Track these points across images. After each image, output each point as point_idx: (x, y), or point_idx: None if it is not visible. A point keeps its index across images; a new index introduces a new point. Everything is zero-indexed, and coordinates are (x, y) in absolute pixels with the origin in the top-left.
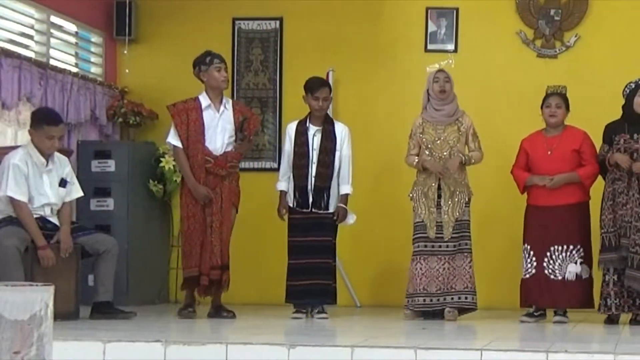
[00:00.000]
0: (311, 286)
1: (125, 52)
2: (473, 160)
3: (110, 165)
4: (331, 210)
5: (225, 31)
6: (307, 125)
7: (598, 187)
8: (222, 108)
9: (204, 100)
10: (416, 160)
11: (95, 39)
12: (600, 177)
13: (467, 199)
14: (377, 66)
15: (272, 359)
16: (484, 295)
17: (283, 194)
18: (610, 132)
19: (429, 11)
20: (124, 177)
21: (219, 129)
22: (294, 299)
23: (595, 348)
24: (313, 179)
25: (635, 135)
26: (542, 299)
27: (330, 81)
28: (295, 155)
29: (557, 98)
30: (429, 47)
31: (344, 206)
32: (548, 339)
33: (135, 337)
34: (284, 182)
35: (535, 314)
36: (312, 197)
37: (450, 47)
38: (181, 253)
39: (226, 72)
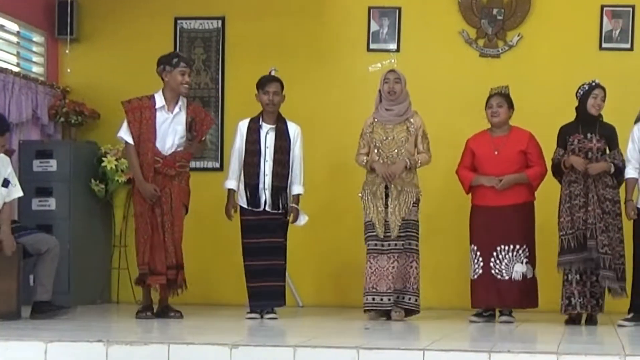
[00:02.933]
0: (266, 288)
1: (67, 51)
2: (420, 163)
3: (52, 165)
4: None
5: (167, 30)
6: (260, 123)
7: (554, 189)
8: (176, 109)
9: (159, 100)
10: (365, 160)
11: (36, 38)
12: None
13: (414, 199)
14: (319, 65)
15: (215, 359)
16: (434, 295)
17: (231, 192)
18: (565, 134)
19: (371, 10)
20: (66, 177)
21: (170, 130)
22: (256, 301)
23: (538, 348)
24: (266, 177)
25: (589, 135)
26: (489, 299)
27: None
28: (247, 153)
29: (498, 98)
30: (372, 46)
31: (296, 206)
32: (492, 339)
33: (77, 337)
34: (233, 181)
35: (485, 314)
36: (271, 198)
37: (393, 46)
38: (136, 250)
39: (189, 78)
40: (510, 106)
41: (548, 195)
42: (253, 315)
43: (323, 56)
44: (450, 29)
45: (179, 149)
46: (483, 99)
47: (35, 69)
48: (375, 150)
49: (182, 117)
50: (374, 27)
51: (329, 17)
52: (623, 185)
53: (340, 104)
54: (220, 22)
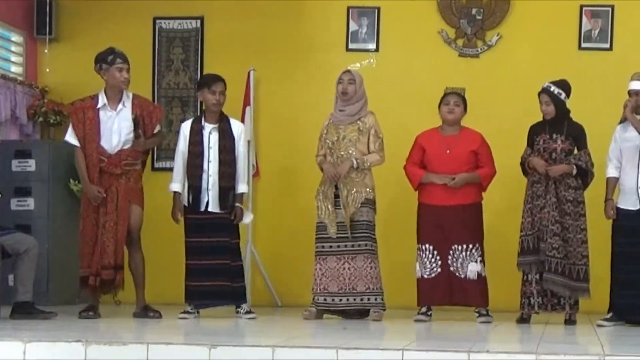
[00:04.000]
0: (211, 287)
1: (46, 51)
2: (369, 163)
3: (31, 164)
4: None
5: (146, 30)
6: (203, 123)
7: (520, 189)
8: (120, 106)
9: (101, 98)
10: (320, 161)
11: (15, 38)
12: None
13: (363, 199)
14: (298, 65)
15: (194, 359)
16: (402, 295)
17: (177, 195)
18: (533, 133)
19: (350, 10)
20: (45, 177)
21: (115, 128)
22: (193, 300)
23: (517, 348)
24: (210, 178)
25: (554, 135)
26: (448, 298)
27: (252, 81)
28: (190, 155)
29: (455, 97)
30: (350, 46)
31: (240, 205)
32: (470, 338)
33: (56, 337)
34: (178, 183)
35: (429, 312)
36: (219, 198)
37: (372, 46)
38: (79, 252)
39: (128, 74)
40: (465, 108)
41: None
42: (185, 315)
43: (302, 56)
44: (430, 28)
45: (126, 147)
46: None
47: (14, 68)
48: (328, 151)
49: (127, 114)
50: (353, 26)
51: (307, 17)
52: (601, 183)
53: (320, 103)
54: (199, 22)
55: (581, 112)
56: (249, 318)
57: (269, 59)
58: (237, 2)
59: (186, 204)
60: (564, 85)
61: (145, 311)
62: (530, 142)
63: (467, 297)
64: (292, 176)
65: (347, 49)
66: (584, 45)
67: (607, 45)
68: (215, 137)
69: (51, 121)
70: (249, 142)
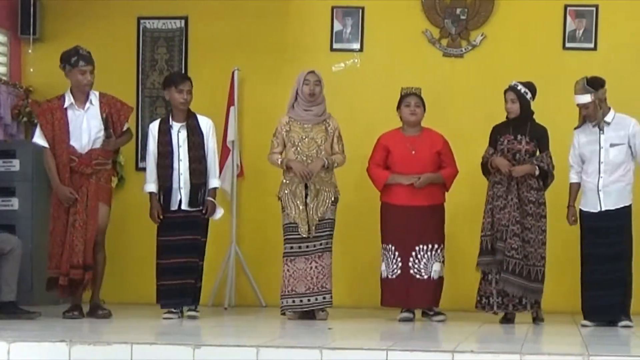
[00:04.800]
0: (181, 285)
1: (30, 51)
2: (336, 164)
3: (15, 164)
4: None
5: (130, 30)
6: (170, 123)
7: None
8: (87, 105)
9: (68, 98)
10: (280, 159)
11: None
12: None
13: (332, 198)
14: (282, 65)
15: (178, 359)
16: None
17: (153, 195)
18: (496, 133)
19: (334, 10)
20: (29, 177)
21: (84, 126)
22: (164, 300)
23: (501, 348)
24: (181, 176)
25: (518, 136)
26: (409, 299)
27: (236, 80)
28: (159, 156)
29: (415, 97)
30: (335, 46)
31: (212, 200)
32: (454, 339)
33: (40, 337)
34: (152, 184)
35: (412, 311)
36: (188, 195)
37: (356, 46)
38: (48, 253)
39: (91, 75)
40: (424, 108)
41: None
42: (169, 315)
43: (286, 56)
44: (414, 28)
45: (97, 146)
46: (446, 98)
47: None
48: (293, 149)
49: (96, 112)
50: (337, 26)
51: (292, 17)
52: (563, 187)
53: None
54: (183, 22)
55: (565, 112)
56: (191, 316)
57: (253, 59)
58: (221, 2)
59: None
60: (531, 86)
61: (96, 309)
62: (493, 141)
63: (423, 299)
64: (276, 176)
65: (332, 49)
66: (568, 45)
67: (592, 45)
68: (184, 134)
69: (35, 121)
70: (232, 142)
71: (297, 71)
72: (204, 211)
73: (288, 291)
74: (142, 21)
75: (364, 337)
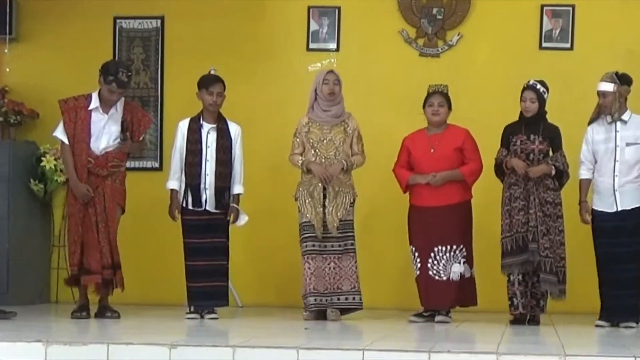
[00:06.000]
0: (209, 288)
1: (6, 51)
2: (355, 165)
3: None
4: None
5: (107, 30)
6: (201, 122)
7: (497, 188)
8: (112, 110)
9: (95, 100)
10: (300, 160)
11: None
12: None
13: (351, 200)
14: (258, 65)
15: (154, 359)
16: (371, 295)
17: (174, 193)
18: (508, 133)
19: (310, 10)
20: (5, 177)
21: (105, 130)
22: (196, 301)
23: (478, 348)
24: (207, 177)
25: (531, 136)
26: (428, 300)
27: None
28: (188, 153)
29: (439, 97)
30: (311, 46)
31: (237, 206)
32: (431, 339)
33: (16, 337)
34: (175, 181)
35: (425, 314)
36: (213, 197)
37: (332, 46)
38: (67, 250)
39: (118, 96)
40: (450, 106)
41: (489, 194)
42: (193, 315)
43: (262, 56)
44: (390, 28)
45: (113, 149)
46: (423, 98)
47: None
48: (312, 151)
49: (118, 118)
50: (314, 26)
51: (268, 17)
52: (569, 186)
53: (280, 103)
54: (159, 21)
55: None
56: (212, 318)
57: (230, 59)
58: (197, 2)
59: (185, 205)
60: (545, 84)
61: (105, 311)
62: (506, 142)
63: (447, 299)
64: (252, 176)
65: (308, 49)
66: (544, 45)
67: (568, 45)
68: (213, 136)
69: (11, 121)
70: None
71: (273, 71)
72: (228, 218)
73: (311, 289)
74: (118, 21)
75: (340, 337)
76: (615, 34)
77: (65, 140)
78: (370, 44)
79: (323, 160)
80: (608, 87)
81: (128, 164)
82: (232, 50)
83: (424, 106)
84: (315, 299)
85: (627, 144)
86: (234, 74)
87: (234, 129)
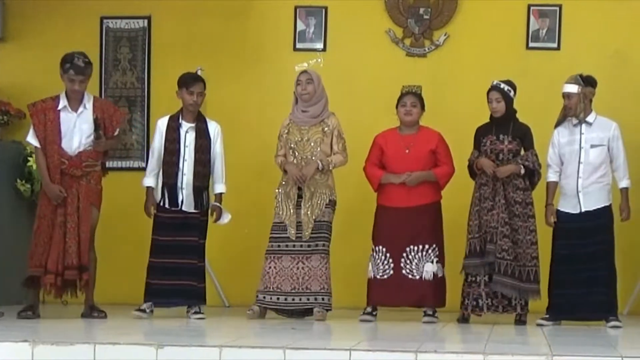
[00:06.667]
0: (175, 286)
1: None
2: (333, 164)
3: None
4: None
5: (93, 30)
6: (180, 121)
7: (466, 189)
8: (80, 108)
9: (62, 100)
10: (281, 161)
11: None
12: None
13: (327, 201)
14: (245, 65)
15: (140, 359)
16: (348, 295)
17: (150, 190)
18: (479, 135)
19: (297, 10)
20: None
21: (76, 130)
22: (153, 298)
23: (465, 348)
24: (185, 177)
25: (501, 136)
26: (400, 299)
27: None
28: (166, 152)
29: (411, 97)
30: (298, 45)
31: (219, 205)
32: (417, 338)
33: (2, 337)
34: (152, 178)
35: (374, 312)
36: (191, 197)
37: (319, 45)
38: (29, 251)
39: (81, 85)
40: (423, 107)
41: (458, 194)
42: (139, 313)
43: (249, 56)
44: (377, 28)
45: (87, 148)
46: None
47: None
48: (290, 152)
49: (88, 116)
50: (301, 26)
51: (255, 17)
52: (542, 186)
53: (267, 103)
54: (146, 21)
55: (528, 111)
56: (198, 318)
57: (217, 59)
58: (184, 1)
59: (161, 203)
60: (512, 83)
61: (91, 311)
62: (477, 143)
63: (419, 298)
64: (239, 176)
65: (295, 49)
66: (531, 44)
67: (555, 45)
68: (192, 136)
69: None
70: None
71: (260, 71)
72: (208, 217)
73: (273, 288)
74: (105, 21)
75: (327, 337)
76: (602, 34)
77: (37, 144)
78: (357, 44)
79: (301, 161)
80: (573, 88)
81: (114, 164)
82: (219, 50)
83: (396, 106)
84: (278, 298)
85: (592, 146)
86: (220, 73)
87: (213, 128)
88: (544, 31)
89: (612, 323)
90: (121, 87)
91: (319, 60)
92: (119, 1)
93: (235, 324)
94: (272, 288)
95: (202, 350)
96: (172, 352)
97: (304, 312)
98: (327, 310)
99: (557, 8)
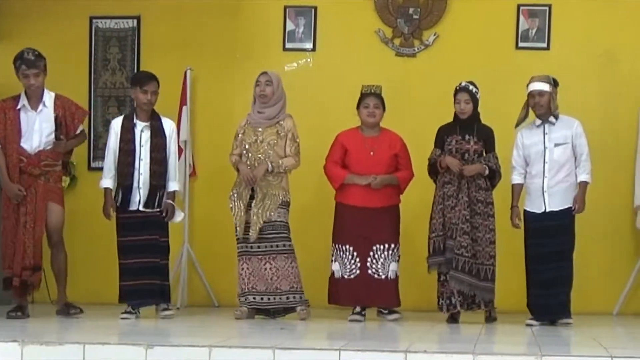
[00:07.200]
0: (143, 286)
1: None
2: (284, 167)
3: None
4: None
5: (83, 30)
6: (134, 121)
7: (429, 191)
8: (40, 106)
9: (22, 99)
10: (234, 160)
11: None
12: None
13: (280, 202)
14: (235, 65)
15: (130, 359)
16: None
17: (108, 191)
18: (442, 134)
19: (287, 10)
20: None
21: (36, 128)
22: (127, 300)
23: (454, 348)
24: (141, 176)
25: (467, 137)
26: (367, 298)
27: (188, 80)
28: (121, 152)
29: (374, 98)
30: (287, 45)
31: (172, 202)
32: (407, 338)
33: None
34: (109, 180)
35: (363, 312)
36: (147, 196)
37: (309, 45)
38: (1, 253)
39: (36, 79)
40: (384, 107)
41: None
42: (126, 315)
43: (239, 55)
44: (367, 28)
45: (47, 148)
46: (399, 98)
47: None
48: (244, 152)
49: (49, 114)
50: (290, 26)
51: (244, 17)
52: (506, 188)
53: None
54: (135, 21)
55: (518, 111)
56: (166, 315)
57: (206, 59)
58: (173, 1)
59: (118, 203)
60: (476, 85)
61: (67, 308)
62: (440, 142)
63: (383, 297)
64: (228, 176)
65: (284, 49)
66: (521, 44)
67: (544, 45)
68: (147, 134)
69: None
70: (185, 141)
71: (249, 71)
72: (163, 214)
73: (249, 288)
74: (94, 20)
75: (316, 337)
76: (591, 34)
77: None
78: (346, 44)
79: (253, 162)
80: (544, 86)
81: (99, 164)
82: (208, 50)
83: (358, 107)
84: (255, 298)
85: (556, 145)
86: (210, 73)
87: (169, 126)
88: (534, 31)
89: (565, 320)
90: (110, 87)
91: (309, 60)
92: (108, 1)
93: (225, 323)
94: (248, 289)
95: (191, 350)
96: (162, 352)
97: (284, 311)
98: (307, 306)
99: (547, 8)
